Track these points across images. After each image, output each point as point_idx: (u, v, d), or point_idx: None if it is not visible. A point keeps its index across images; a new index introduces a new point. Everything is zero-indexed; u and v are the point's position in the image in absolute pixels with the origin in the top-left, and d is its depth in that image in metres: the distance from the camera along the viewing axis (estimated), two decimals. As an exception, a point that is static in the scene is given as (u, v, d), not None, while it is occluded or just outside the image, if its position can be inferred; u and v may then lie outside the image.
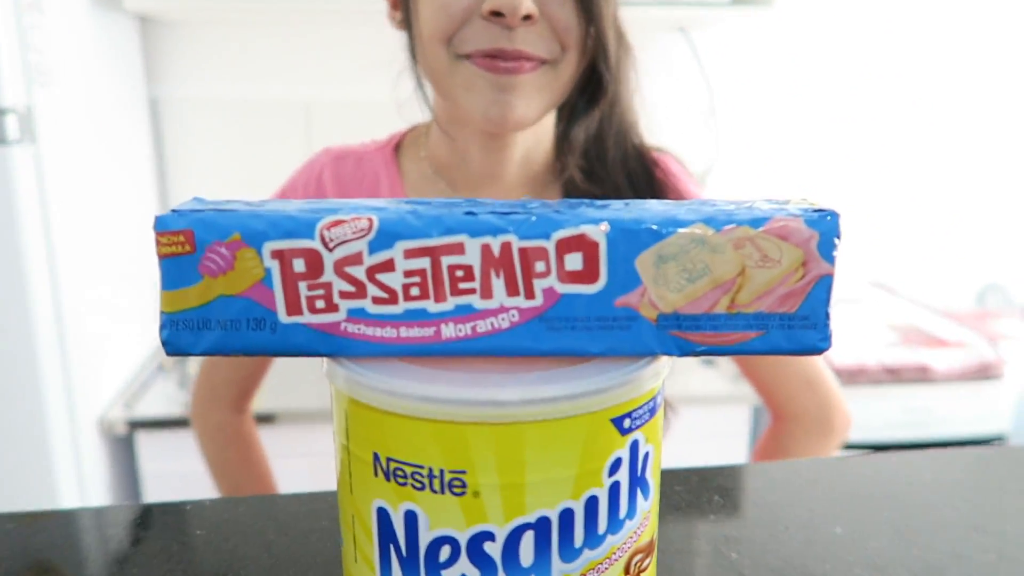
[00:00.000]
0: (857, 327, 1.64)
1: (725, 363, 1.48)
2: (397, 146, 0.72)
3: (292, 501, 0.36)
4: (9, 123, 1.11)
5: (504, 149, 0.64)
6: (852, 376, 1.45)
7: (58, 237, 1.20)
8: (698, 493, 0.37)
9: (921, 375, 1.47)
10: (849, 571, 0.30)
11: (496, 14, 0.53)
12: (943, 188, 1.98)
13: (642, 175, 0.65)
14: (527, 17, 0.54)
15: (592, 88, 0.61)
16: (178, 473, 1.38)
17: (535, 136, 0.65)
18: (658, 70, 1.80)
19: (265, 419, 1.30)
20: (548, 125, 0.65)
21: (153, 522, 0.35)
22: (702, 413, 1.43)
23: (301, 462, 1.17)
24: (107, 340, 1.38)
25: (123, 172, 1.56)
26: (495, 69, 0.55)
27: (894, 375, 1.46)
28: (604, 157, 0.64)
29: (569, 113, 0.63)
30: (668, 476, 0.38)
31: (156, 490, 1.38)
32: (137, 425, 1.32)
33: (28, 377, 1.17)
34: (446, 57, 0.57)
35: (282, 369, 1.23)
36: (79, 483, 1.26)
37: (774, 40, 1.79)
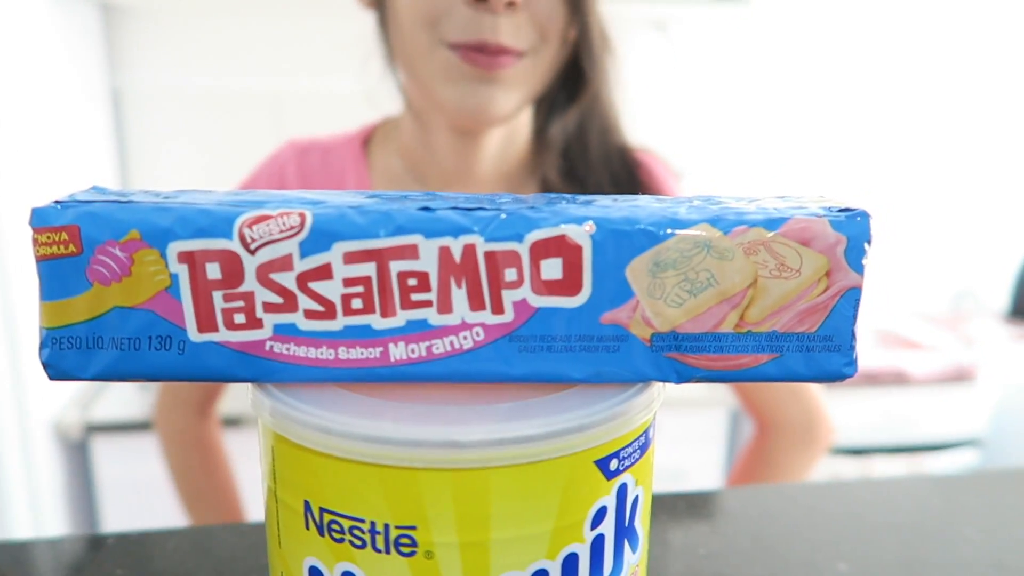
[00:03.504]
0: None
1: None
2: (367, 139, 0.68)
3: (231, 533, 0.32)
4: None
5: (478, 143, 0.61)
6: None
7: (10, 231, 1.15)
8: (687, 525, 0.33)
9: (898, 379, 1.45)
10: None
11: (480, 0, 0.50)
12: (919, 195, 1.98)
13: (624, 176, 0.62)
14: (510, 4, 0.50)
15: (573, 83, 0.58)
16: (135, 479, 1.32)
17: (510, 132, 0.61)
18: (636, 67, 1.77)
19: (230, 423, 1.25)
20: (524, 121, 0.62)
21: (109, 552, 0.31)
22: (679, 416, 1.40)
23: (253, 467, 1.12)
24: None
25: (83, 164, 1.50)
26: (476, 63, 0.52)
27: (872, 379, 1.44)
28: (586, 156, 0.60)
29: (548, 108, 0.60)
30: (653, 502, 0.35)
31: (112, 497, 1.32)
32: (93, 429, 1.26)
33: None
34: (426, 42, 0.53)
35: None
36: (30, 489, 1.20)
37: (751, 37, 1.77)
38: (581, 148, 0.60)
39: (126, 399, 1.37)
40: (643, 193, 0.62)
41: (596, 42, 0.56)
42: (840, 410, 1.45)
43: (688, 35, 1.73)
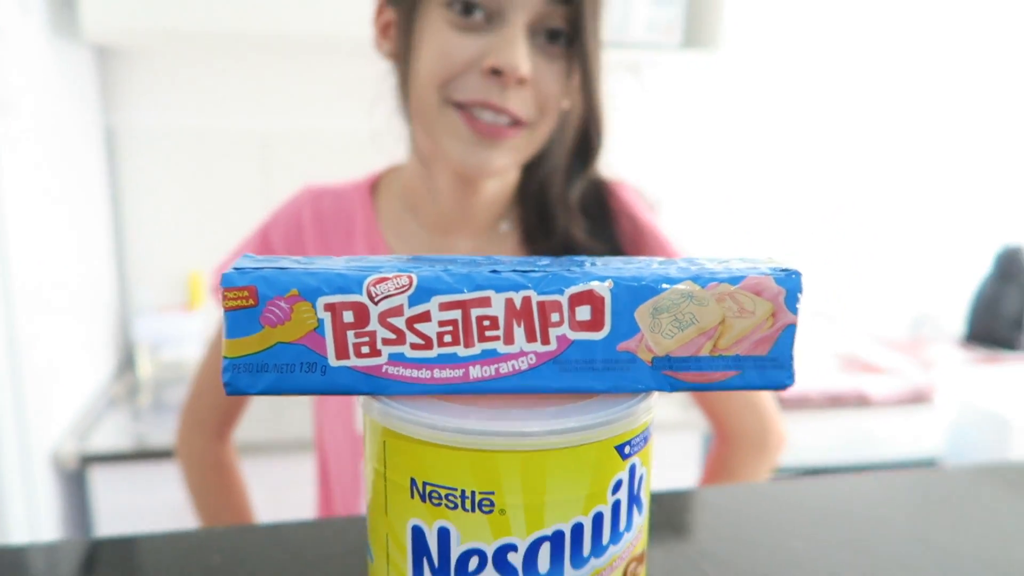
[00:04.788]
0: (801, 356, 1.71)
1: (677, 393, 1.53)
2: (373, 185, 0.76)
3: (246, 532, 0.39)
4: (-31, 153, 1.10)
5: (474, 190, 0.68)
6: (798, 403, 1.52)
7: (14, 265, 1.19)
8: (670, 513, 0.40)
9: (860, 401, 1.54)
10: (807, 579, 0.34)
11: (495, 72, 0.57)
12: (880, 225, 2.09)
13: (595, 203, 0.70)
14: (520, 81, 0.58)
15: (583, 152, 0.67)
16: (131, 508, 1.36)
17: (501, 182, 0.69)
18: (612, 108, 1.87)
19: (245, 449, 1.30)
20: (512, 175, 0.70)
21: (103, 558, 0.37)
22: (656, 439, 1.47)
23: (256, 493, 1.18)
24: (59, 372, 1.36)
25: (78, 201, 1.55)
26: (479, 128, 0.59)
27: (835, 401, 1.53)
28: (565, 196, 0.69)
29: (559, 171, 0.68)
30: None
31: (108, 526, 1.36)
32: (90, 459, 1.30)
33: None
34: (436, 100, 0.61)
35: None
36: (29, 519, 1.23)
37: (720, 80, 1.88)
38: (562, 190, 0.68)
39: (121, 429, 1.42)
40: (613, 216, 0.70)
41: (603, 120, 0.64)
42: (805, 431, 1.53)
43: (660, 78, 1.84)
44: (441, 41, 0.59)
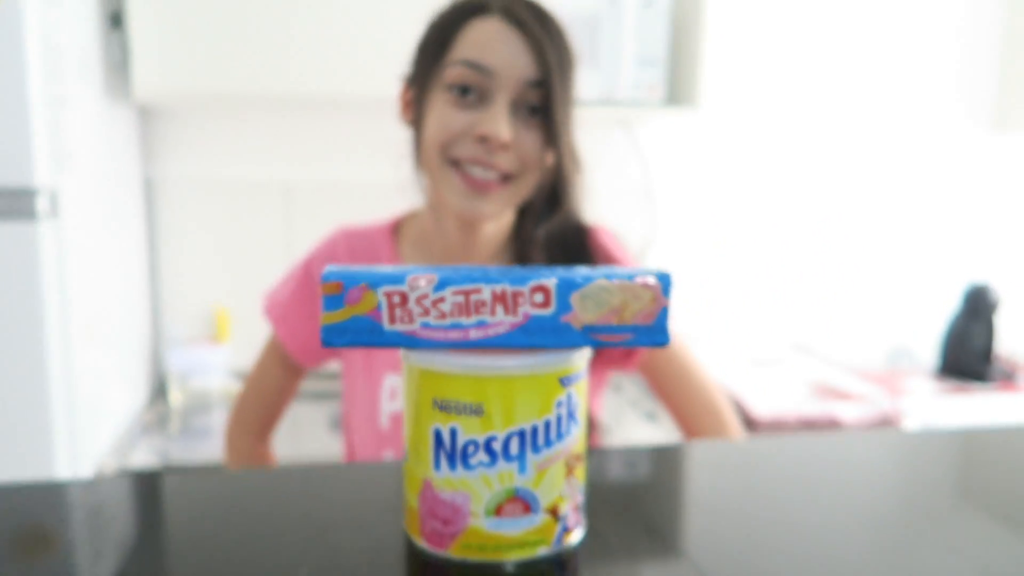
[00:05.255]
0: (778, 385, 1.86)
1: (666, 419, 1.67)
2: (395, 227, 0.93)
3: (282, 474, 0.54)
4: (40, 202, 1.27)
5: (474, 231, 0.85)
6: (773, 428, 1.66)
7: (74, 301, 1.36)
8: (662, 466, 0.55)
9: (831, 424, 1.68)
10: (766, 522, 0.49)
11: (484, 139, 0.75)
12: (857, 265, 2.25)
13: (576, 243, 0.87)
14: (503, 146, 0.75)
15: (552, 200, 0.84)
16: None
17: (497, 223, 0.86)
18: (604, 159, 2.05)
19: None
20: (507, 217, 0.87)
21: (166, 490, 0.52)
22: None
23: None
24: (101, 399, 1.52)
25: (120, 244, 1.72)
26: (471, 183, 0.77)
27: (808, 424, 1.67)
28: (561, 244, 0.86)
29: (535, 216, 0.85)
30: (621, 453, 0.57)
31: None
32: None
33: (40, 431, 1.30)
34: (438, 160, 0.78)
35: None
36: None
37: (700, 134, 2.06)
38: (559, 242, 0.86)
39: (154, 450, 1.56)
40: (590, 254, 0.87)
41: (568, 174, 0.81)
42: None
43: (648, 133, 2.02)
44: (443, 114, 0.77)
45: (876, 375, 2.12)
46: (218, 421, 1.69)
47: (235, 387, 1.86)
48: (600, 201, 1.98)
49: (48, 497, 0.50)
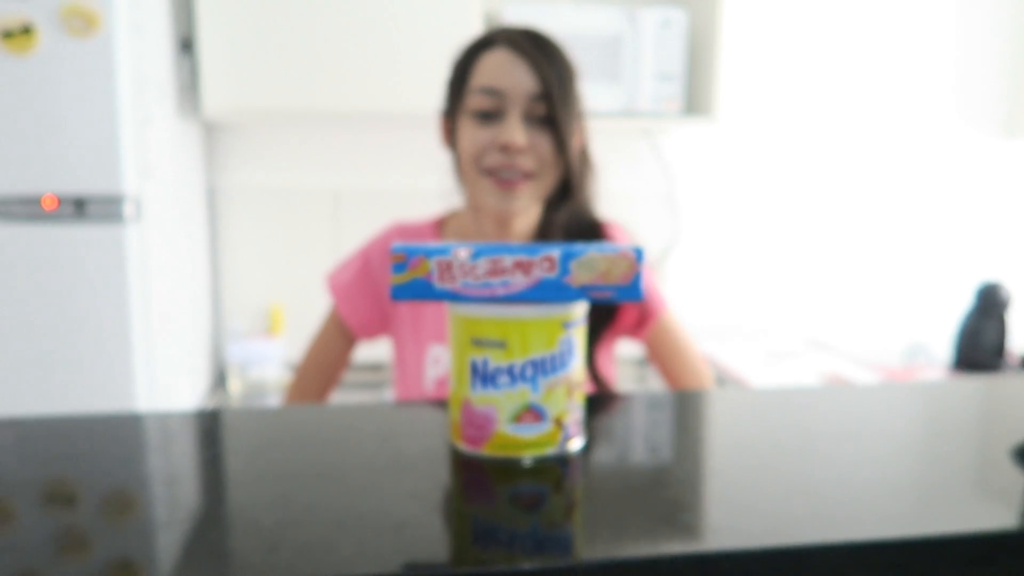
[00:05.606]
0: (792, 377, 1.98)
1: (655, 382, 1.80)
2: (440, 223, 1.10)
3: (344, 412, 0.69)
4: (127, 208, 1.46)
5: (508, 225, 1.02)
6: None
7: (155, 298, 1.54)
8: (682, 412, 0.70)
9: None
10: (770, 464, 0.64)
11: (505, 147, 0.92)
12: (872, 262, 2.36)
13: (592, 236, 1.03)
14: (521, 150, 0.92)
15: (565, 192, 1.00)
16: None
17: (527, 217, 1.02)
18: (629, 167, 2.19)
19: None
20: (535, 209, 1.03)
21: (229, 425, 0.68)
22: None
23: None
24: (171, 387, 1.70)
25: (187, 246, 1.91)
26: (501, 184, 0.94)
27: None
28: (575, 228, 1.03)
29: (550, 205, 1.02)
30: (636, 398, 0.72)
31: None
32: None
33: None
34: (474, 171, 0.95)
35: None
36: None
37: (718, 142, 2.19)
38: (571, 225, 1.02)
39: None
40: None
41: (575, 170, 0.97)
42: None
43: (669, 142, 2.16)
44: (471, 134, 0.95)
45: (892, 370, 2.22)
46: (241, 407, 1.86)
47: (289, 377, 2.04)
48: (626, 205, 2.13)
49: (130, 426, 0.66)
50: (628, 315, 1.08)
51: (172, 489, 0.52)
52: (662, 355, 1.09)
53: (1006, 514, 0.48)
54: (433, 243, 0.53)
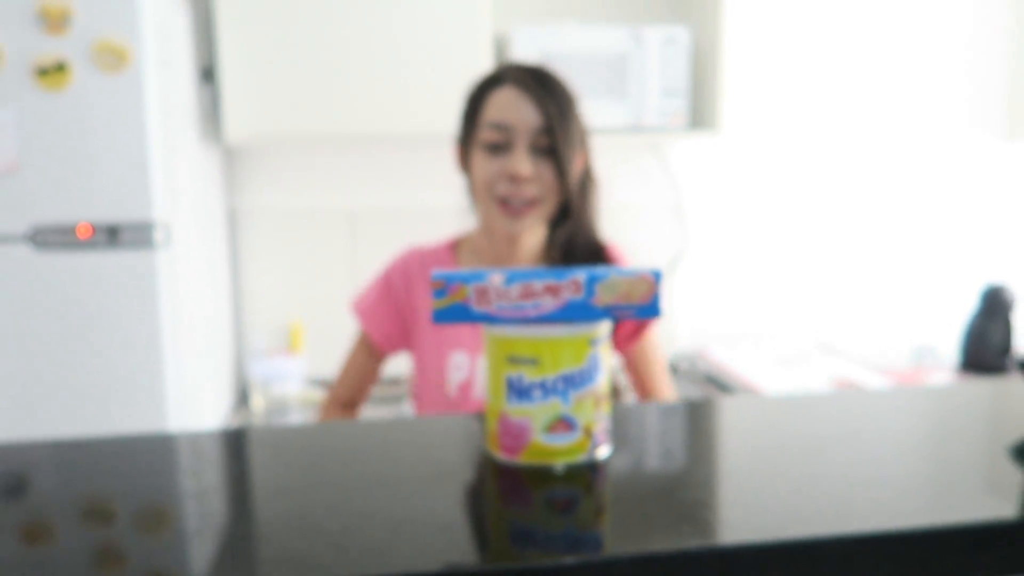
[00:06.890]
0: (801, 382, 2.02)
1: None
2: (454, 245, 1.18)
3: (378, 428, 0.75)
4: (158, 234, 1.51)
5: (516, 243, 1.09)
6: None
7: (184, 317, 1.60)
8: (697, 418, 0.75)
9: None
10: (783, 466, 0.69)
11: (513, 177, 1.00)
12: (878, 266, 2.40)
13: (592, 256, 1.11)
14: (527, 179, 1.00)
15: (566, 212, 1.08)
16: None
17: (534, 237, 1.10)
18: (637, 180, 2.25)
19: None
20: (541, 231, 1.11)
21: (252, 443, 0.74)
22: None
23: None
24: (196, 403, 1.75)
25: (209, 266, 1.97)
26: (509, 211, 1.02)
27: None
28: (573, 248, 1.11)
29: (553, 224, 1.11)
30: (650, 409, 0.77)
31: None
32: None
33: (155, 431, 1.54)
34: (486, 198, 1.03)
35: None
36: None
37: (724, 154, 2.25)
38: (570, 245, 1.10)
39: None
40: (607, 263, 1.11)
41: (574, 195, 1.06)
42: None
43: (676, 155, 2.22)
44: (482, 163, 1.04)
45: (900, 372, 2.26)
46: (296, 423, 1.92)
47: (310, 393, 2.09)
48: (636, 217, 2.19)
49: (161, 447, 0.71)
50: (624, 329, 1.18)
51: (241, 502, 0.58)
52: (639, 366, 1.20)
53: (1004, 506, 0.53)
54: (470, 270, 0.59)
